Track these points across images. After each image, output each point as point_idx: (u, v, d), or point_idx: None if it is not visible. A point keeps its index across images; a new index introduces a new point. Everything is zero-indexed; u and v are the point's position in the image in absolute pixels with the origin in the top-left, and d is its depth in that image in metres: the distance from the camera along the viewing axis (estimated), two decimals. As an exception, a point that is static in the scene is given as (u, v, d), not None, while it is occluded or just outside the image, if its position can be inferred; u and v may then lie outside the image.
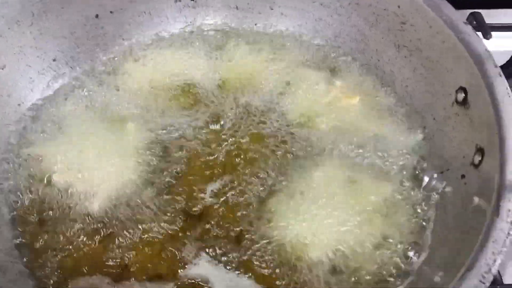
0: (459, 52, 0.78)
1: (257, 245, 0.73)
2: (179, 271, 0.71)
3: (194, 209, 0.76)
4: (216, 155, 0.82)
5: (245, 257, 0.72)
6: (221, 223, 0.75)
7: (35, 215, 0.75)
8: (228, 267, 0.71)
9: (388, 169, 0.82)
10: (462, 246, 0.64)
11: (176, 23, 1.02)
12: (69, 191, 0.77)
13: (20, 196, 0.77)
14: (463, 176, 0.74)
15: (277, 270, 0.71)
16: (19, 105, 0.85)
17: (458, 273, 0.57)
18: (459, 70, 0.78)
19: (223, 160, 0.82)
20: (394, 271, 0.71)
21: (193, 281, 0.70)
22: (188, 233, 0.74)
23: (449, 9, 0.82)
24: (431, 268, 0.69)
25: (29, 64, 0.87)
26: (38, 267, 0.71)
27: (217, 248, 0.73)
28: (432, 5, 0.82)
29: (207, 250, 0.73)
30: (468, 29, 0.78)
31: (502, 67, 0.76)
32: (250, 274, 0.71)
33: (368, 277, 0.70)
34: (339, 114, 0.89)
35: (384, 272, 0.71)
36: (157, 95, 0.91)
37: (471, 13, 0.97)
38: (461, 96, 0.77)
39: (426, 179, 0.81)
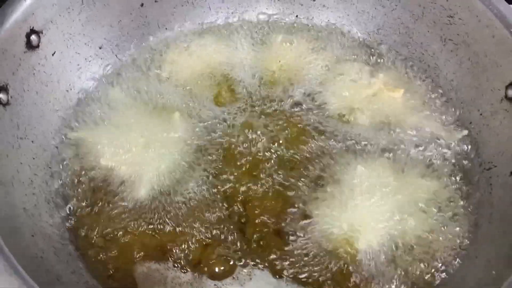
0: (510, 47, 0.76)
1: (301, 239, 0.73)
2: (224, 259, 0.72)
3: (237, 198, 0.77)
4: (258, 146, 0.83)
5: (288, 253, 0.72)
6: (263, 215, 0.75)
7: (84, 198, 0.77)
8: (273, 263, 0.71)
9: (432, 164, 0.81)
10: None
11: (218, 14, 1.02)
12: (116, 176, 0.78)
13: (69, 179, 0.79)
14: (512, 173, 0.73)
15: (319, 262, 0.71)
16: (67, 91, 0.87)
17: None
18: (510, 65, 0.77)
19: (264, 151, 0.82)
20: (441, 265, 0.71)
21: (238, 272, 0.71)
22: (231, 222, 0.75)
23: (500, 2, 0.80)
24: (477, 263, 0.68)
25: (77, 51, 0.88)
26: (87, 249, 0.73)
27: (260, 241, 0.73)
28: (482, -2, 0.81)
29: (249, 244, 0.73)
30: (521, 23, 0.77)
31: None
32: (293, 271, 0.71)
33: (415, 271, 0.70)
34: (382, 107, 0.88)
35: (432, 266, 0.71)
36: (199, 84, 0.91)
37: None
38: (511, 92, 0.76)
39: (472, 174, 0.80)
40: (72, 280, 0.68)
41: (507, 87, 0.77)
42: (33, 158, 0.77)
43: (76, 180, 0.79)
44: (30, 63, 0.79)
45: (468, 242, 0.73)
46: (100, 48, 0.92)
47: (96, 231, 0.74)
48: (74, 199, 0.77)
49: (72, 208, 0.76)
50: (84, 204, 0.77)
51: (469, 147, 0.83)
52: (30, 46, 0.78)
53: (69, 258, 0.70)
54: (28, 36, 0.77)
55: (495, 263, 0.65)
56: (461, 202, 0.77)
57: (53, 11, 0.81)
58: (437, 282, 0.70)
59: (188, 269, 0.71)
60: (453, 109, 0.88)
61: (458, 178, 0.79)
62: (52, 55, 0.83)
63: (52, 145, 0.81)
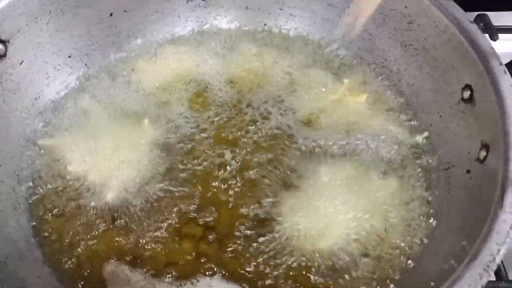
0: (464, 50, 0.79)
1: (267, 242, 0.74)
2: (189, 261, 0.73)
3: (205, 201, 0.78)
4: (225, 152, 0.84)
5: (252, 253, 0.74)
6: (229, 218, 0.77)
7: (51, 204, 0.78)
8: (235, 266, 0.73)
9: (394, 165, 0.83)
10: (467, 237, 0.66)
11: (187, 23, 1.04)
12: (83, 182, 0.79)
13: (37, 185, 0.80)
14: (468, 171, 0.75)
15: (282, 264, 0.73)
16: (36, 99, 0.88)
17: (463, 262, 0.59)
18: (465, 68, 0.80)
19: (232, 156, 0.84)
20: (403, 261, 0.73)
21: (202, 274, 0.72)
22: (198, 224, 0.76)
23: (455, 8, 0.83)
24: (436, 257, 0.70)
25: (46, 60, 0.89)
26: (53, 254, 0.73)
27: (225, 244, 0.74)
28: (439, 5, 0.84)
29: (214, 246, 0.75)
30: (474, 27, 0.80)
31: (507, 65, 0.78)
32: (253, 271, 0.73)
33: (377, 268, 0.72)
34: (346, 112, 0.90)
35: (394, 262, 0.73)
36: (169, 92, 0.93)
37: (478, 15, 0.99)
38: (467, 94, 0.79)
39: (431, 175, 0.82)
40: (38, 285, 0.68)
41: (463, 89, 0.80)
42: (0, 165, 0.77)
43: (43, 187, 0.80)
44: (-3, 72, 0.80)
45: (428, 239, 0.75)
46: (69, 57, 0.93)
47: (64, 236, 0.74)
48: (42, 204, 0.78)
49: (39, 213, 0.77)
50: (51, 209, 0.77)
51: (430, 148, 0.85)
52: (-4, 55, 0.79)
53: (34, 263, 0.71)
54: (-6, 45, 0.79)
55: (452, 257, 0.67)
56: (422, 201, 0.79)
57: (20, 21, 0.82)
58: (399, 277, 0.72)
59: (153, 271, 0.72)
60: (414, 112, 0.90)
61: (419, 178, 0.82)
62: (20, 64, 0.84)
63: (20, 152, 0.82)
